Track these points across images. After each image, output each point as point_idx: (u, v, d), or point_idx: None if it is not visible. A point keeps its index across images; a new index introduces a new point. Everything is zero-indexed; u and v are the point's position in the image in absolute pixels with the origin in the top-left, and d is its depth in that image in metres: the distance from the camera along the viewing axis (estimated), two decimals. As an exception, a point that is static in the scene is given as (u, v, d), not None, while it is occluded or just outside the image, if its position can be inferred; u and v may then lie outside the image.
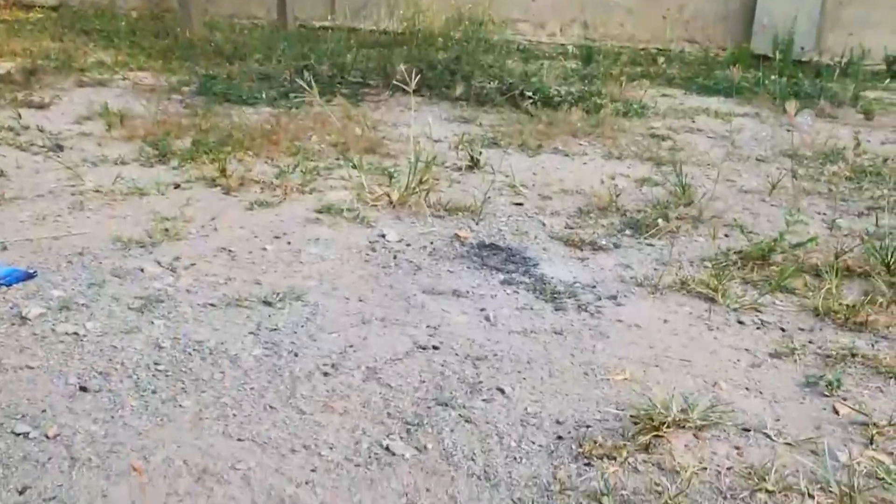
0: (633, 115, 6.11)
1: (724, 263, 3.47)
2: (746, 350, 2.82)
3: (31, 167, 4.38)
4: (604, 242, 3.70)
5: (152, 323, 2.79)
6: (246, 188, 4.20)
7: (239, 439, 2.20)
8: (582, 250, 3.61)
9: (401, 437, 2.25)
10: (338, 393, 2.45)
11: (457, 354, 2.70)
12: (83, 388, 2.38)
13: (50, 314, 2.80)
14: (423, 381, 2.53)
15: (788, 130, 5.77)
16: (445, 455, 2.19)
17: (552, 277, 3.32)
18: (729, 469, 2.18)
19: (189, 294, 3.02)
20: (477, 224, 3.86)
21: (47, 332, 2.69)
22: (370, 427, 2.29)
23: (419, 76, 4.87)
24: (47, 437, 2.15)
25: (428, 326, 2.88)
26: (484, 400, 2.45)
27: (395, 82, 5.39)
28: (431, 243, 3.62)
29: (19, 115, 5.21)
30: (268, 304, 2.97)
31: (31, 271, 3.09)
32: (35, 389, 2.36)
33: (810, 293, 3.23)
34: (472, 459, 2.18)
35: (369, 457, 2.16)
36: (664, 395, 2.40)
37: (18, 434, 2.15)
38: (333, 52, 7.11)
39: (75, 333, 2.69)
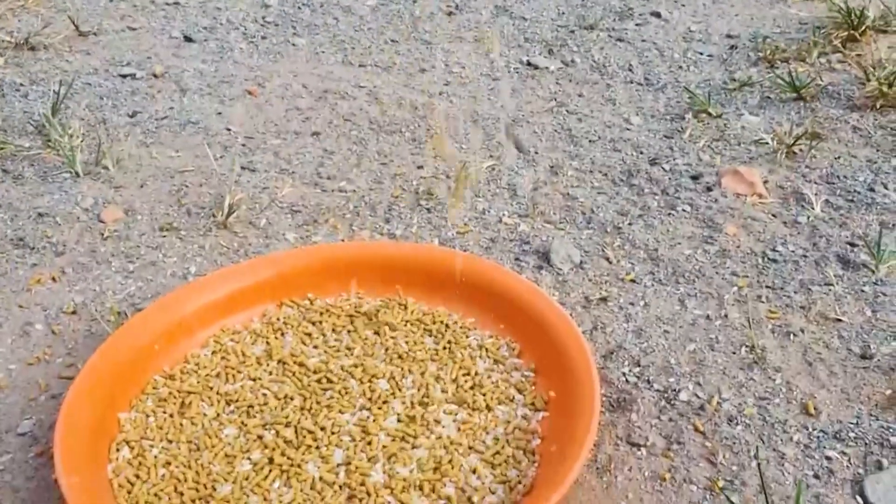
0: None
1: None
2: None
3: None
4: None
5: (255, -14, 2.51)
6: None
7: (361, 65, 1.95)
8: None
9: (542, 56, 1.94)
10: (465, 27, 2.14)
11: (598, -7, 2.33)
12: (188, 38, 2.16)
13: (147, -13, 2.57)
14: (562, 13, 2.19)
15: None
16: (597, 67, 1.88)
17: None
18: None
19: (292, -36, 2.72)
20: None
21: (146, 2, 2.47)
22: (506, 50, 1.99)
23: None
24: (155, 76, 1.96)
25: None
26: (637, 24, 2.10)
27: None
28: None
29: None
30: (378, -35, 2.63)
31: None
32: (139, 44, 2.16)
33: None
34: (630, 70, 1.86)
35: (509, 71, 1.88)
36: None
37: (125, 76, 1.97)
38: None
39: (175, 3, 2.46)
